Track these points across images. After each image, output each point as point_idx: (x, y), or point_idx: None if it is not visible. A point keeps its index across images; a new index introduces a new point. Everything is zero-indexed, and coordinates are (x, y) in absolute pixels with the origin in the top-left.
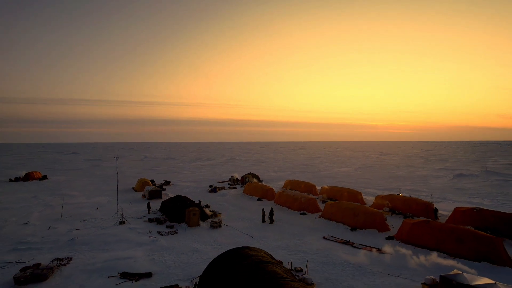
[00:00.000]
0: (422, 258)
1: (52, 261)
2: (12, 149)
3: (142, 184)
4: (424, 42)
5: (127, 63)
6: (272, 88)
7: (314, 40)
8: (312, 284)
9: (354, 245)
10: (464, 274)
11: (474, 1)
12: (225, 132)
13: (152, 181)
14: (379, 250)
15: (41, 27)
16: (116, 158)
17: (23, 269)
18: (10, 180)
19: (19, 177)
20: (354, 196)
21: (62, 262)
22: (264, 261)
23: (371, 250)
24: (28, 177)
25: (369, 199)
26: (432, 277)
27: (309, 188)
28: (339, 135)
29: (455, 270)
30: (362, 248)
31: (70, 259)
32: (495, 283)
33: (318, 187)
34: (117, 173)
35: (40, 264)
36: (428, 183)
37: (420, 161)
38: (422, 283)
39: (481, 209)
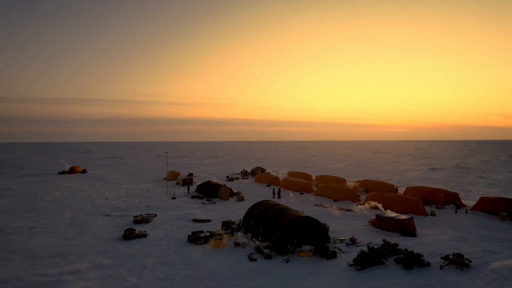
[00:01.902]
0: (374, 212)
1: (145, 215)
2: (25, 148)
3: (173, 175)
4: (425, 41)
5: (125, 62)
6: (272, 88)
7: (315, 40)
8: None
9: (334, 207)
10: (387, 212)
11: (474, 0)
12: (226, 132)
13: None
14: (348, 210)
15: (40, 26)
16: (166, 153)
17: (135, 216)
18: (59, 173)
19: (65, 170)
20: (340, 181)
21: (151, 215)
22: (277, 204)
23: (343, 210)
24: (72, 170)
25: (351, 184)
26: (373, 217)
27: (306, 176)
28: (339, 135)
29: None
30: (338, 209)
31: (155, 215)
32: (400, 215)
33: (314, 177)
34: (167, 164)
35: (142, 215)
36: (404, 175)
37: (408, 158)
38: (368, 221)
39: (422, 187)
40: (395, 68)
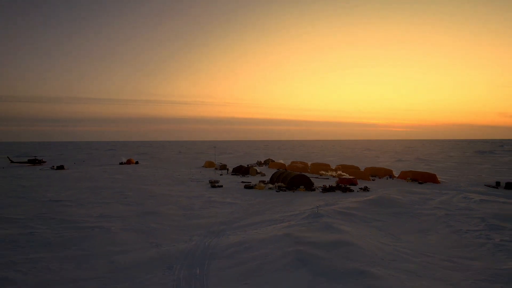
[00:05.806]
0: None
1: (215, 179)
2: (55, 147)
3: (209, 163)
4: (425, 41)
5: (131, 61)
6: (272, 87)
7: (317, 40)
8: None
9: (318, 178)
10: (343, 175)
11: (474, 0)
12: (226, 131)
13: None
14: (326, 178)
15: (46, 27)
16: (214, 147)
17: (210, 180)
18: (120, 163)
19: (122, 162)
20: (327, 166)
21: (217, 182)
22: (287, 171)
23: (323, 178)
24: (129, 162)
25: (333, 168)
26: (337, 179)
27: (304, 163)
28: (340, 134)
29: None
30: (321, 179)
31: (218, 180)
32: (350, 177)
33: (309, 164)
34: (214, 154)
35: (213, 179)
36: (376, 164)
37: (390, 154)
38: (336, 182)
39: (373, 167)
40: (395, 67)
